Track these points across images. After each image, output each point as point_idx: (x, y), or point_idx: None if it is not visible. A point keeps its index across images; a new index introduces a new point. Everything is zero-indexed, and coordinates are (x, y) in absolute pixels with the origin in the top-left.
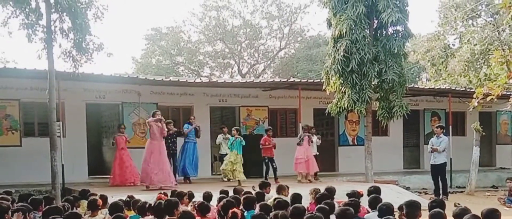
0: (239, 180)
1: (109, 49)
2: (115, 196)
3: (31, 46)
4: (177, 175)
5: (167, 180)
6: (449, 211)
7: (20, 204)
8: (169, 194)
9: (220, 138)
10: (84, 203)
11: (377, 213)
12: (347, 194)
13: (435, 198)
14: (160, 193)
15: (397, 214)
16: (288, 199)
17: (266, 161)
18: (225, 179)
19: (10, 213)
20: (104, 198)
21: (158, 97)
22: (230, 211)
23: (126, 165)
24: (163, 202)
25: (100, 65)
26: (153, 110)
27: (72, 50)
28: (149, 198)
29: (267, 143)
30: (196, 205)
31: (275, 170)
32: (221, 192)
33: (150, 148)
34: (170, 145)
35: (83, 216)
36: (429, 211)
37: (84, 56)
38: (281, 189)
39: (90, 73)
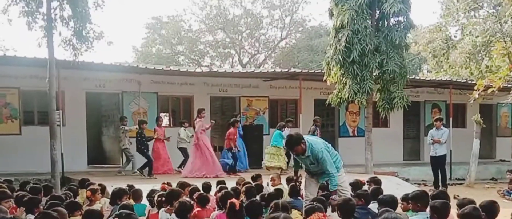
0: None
1: (109, 37)
2: (114, 185)
3: (31, 34)
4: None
5: (214, 171)
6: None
7: (21, 193)
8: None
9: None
10: (83, 192)
11: (377, 204)
12: (350, 184)
13: (437, 190)
14: (163, 183)
15: (400, 205)
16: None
17: (234, 151)
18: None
19: (12, 202)
20: (102, 188)
21: (158, 87)
22: (229, 201)
23: (168, 154)
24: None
25: (100, 54)
26: (199, 108)
27: (72, 39)
28: (149, 187)
29: (233, 136)
30: (195, 197)
31: (236, 162)
32: (218, 183)
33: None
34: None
35: (82, 205)
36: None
37: (84, 45)
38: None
39: (90, 62)
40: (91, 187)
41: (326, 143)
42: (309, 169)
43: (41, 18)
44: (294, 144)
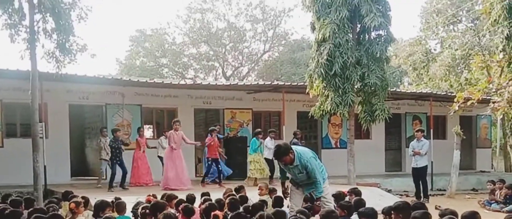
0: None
1: (92, 50)
2: (97, 197)
3: (14, 46)
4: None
5: (180, 184)
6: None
7: (1, 206)
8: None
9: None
10: (66, 204)
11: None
12: (333, 195)
13: (416, 201)
14: (149, 195)
15: (381, 218)
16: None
17: (210, 162)
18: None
19: None
20: (86, 200)
21: (142, 99)
22: (212, 213)
23: (148, 165)
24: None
25: (83, 66)
26: (175, 119)
27: (55, 51)
28: (132, 199)
29: (212, 143)
30: (181, 208)
31: (220, 172)
32: (203, 195)
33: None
34: (117, 154)
35: (65, 217)
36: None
37: (67, 57)
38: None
39: (73, 74)
40: (75, 199)
41: (314, 152)
42: (296, 179)
43: (24, 30)
44: (282, 154)
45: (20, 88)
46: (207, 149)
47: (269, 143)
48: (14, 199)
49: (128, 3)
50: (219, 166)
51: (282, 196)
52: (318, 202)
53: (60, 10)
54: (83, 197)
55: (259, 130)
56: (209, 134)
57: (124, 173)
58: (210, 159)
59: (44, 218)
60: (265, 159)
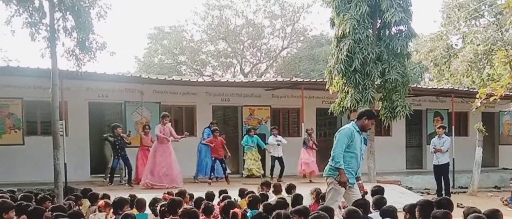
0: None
1: (112, 48)
2: (116, 194)
3: (34, 45)
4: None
5: (172, 181)
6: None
7: (25, 203)
8: (173, 193)
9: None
10: (86, 202)
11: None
12: None
13: (441, 197)
14: (165, 193)
15: (402, 215)
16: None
17: (213, 160)
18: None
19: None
20: (107, 197)
21: (161, 97)
22: (231, 211)
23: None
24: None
25: (103, 64)
26: (163, 113)
27: (75, 49)
28: (150, 197)
29: (213, 144)
30: (202, 208)
31: (224, 170)
32: (221, 192)
33: (154, 150)
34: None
35: (85, 214)
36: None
37: (87, 55)
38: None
39: (93, 72)
40: (106, 200)
41: None
42: (359, 151)
43: (44, 29)
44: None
45: (41, 87)
46: (210, 149)
47: (273, 140)
48: (45, 197)
49: (146, 0)
50: (224, 164)
51: (300, 194)
52: (360, 181)
53: (80, 8)
54: (104, 195)
55: (250, 127)
56: (211, 134)
57: (129, 170)
58: (213, 158)
59: (64, 214)
60: (272, 156)
